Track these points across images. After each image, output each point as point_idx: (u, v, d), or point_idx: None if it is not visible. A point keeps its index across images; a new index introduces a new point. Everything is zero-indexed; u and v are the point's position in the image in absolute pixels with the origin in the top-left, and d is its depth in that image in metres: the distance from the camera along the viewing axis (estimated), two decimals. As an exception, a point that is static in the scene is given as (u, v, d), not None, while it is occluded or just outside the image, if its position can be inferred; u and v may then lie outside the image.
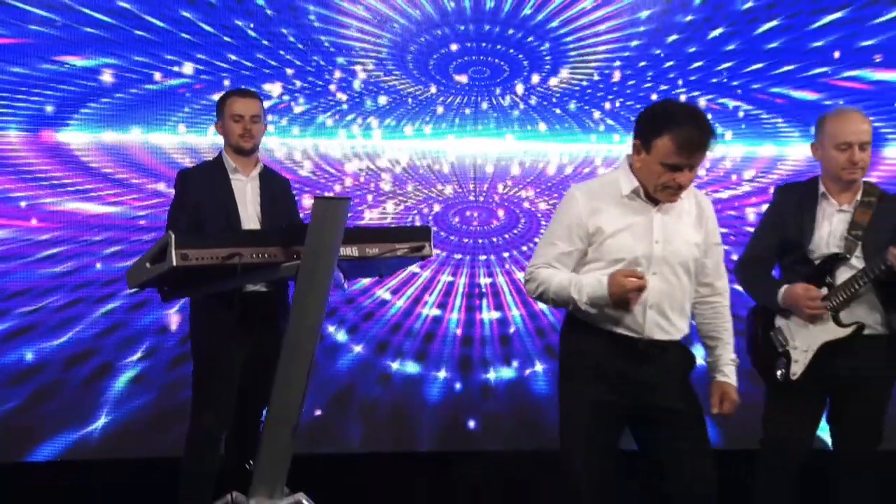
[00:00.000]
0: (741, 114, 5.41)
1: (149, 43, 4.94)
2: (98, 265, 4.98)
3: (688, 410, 3.41)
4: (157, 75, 4.99)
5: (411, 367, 5.28)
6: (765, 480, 4.08)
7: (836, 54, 5.37)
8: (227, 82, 4.98)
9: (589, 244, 3.36)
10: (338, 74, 5.13)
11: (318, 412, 5.17)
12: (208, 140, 4.89)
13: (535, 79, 5.26)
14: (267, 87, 5.04)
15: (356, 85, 5.16)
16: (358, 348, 5.24)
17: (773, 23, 5.35)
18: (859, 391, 4.04)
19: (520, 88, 5.26)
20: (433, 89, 5.22)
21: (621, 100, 5.31)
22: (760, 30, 5.34)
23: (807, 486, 4.14)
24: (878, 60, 5.38)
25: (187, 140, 5.01)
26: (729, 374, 3.50)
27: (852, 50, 5.39)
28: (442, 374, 5.30)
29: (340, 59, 5.12)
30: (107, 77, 4.93)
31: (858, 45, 5.39)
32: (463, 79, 5.23)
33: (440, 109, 5.24)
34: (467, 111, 5.25)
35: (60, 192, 4.94)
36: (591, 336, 3.37)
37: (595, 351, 3.37)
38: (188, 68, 5.00)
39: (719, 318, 3.54)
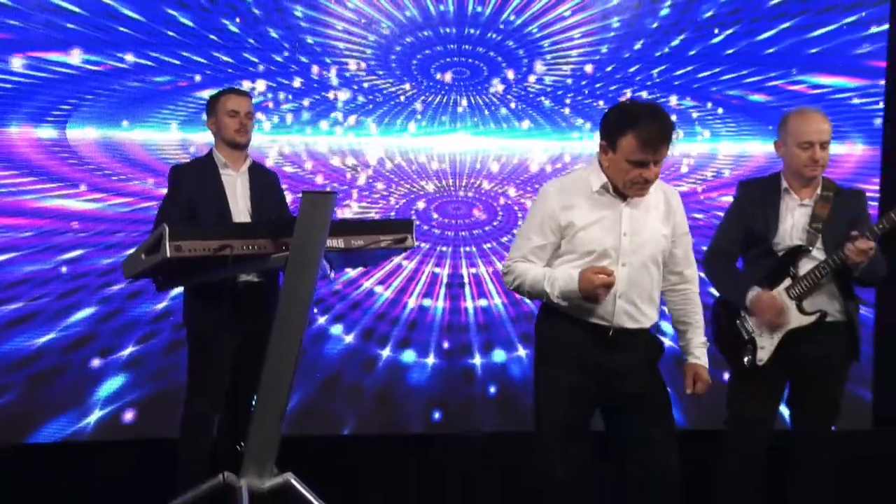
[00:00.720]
0: (695, 114, 5.43)
1: (142, 43, 4.91)
2: (96, 256, 4.94)
3: (656, 398, 3.43)
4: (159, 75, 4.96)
5: (397, 354, 5.27)
6: (733, 462, 4.10)
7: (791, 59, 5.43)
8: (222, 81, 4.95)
9: (562, 237, 3.37)
10: (323, 73, 5.11)
11: (306, 396, 5.13)
12: (202, 137, 4.83)
13: (513, 79, 5.25)
14: (250, 84, 5.02)
15: (341, 84, 5.14)
16: (346, 336, 5.23)
17: (732, 29, 5.37)
18: (820, 375, 4.07)
19: (498, 88, 5.24)
20: (416, 89, 5.20)
21: (591, 100, 5.30)
22: (722, 36, 5.36)
23: (769, 467, 4.16)
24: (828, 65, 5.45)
25: (182, 137, 4.99)
26: (700, 356, 3.52)
27: (807, 54, 5.41)
28: (427, 360, 5.28)
29: (326, 59, 5.10)
30: (108, 75, 4.90)
31: (812, 50, 5.41)
32: (445, 78, 5.21)
33: (421, 107, 5.22)
34: (448, 110, 5.23)
35: (61, 186, 4.89)
36: (566, 325, 3.39)
37: (569, 339, 3.38)
38: (177, 67, 4.97)
39: (689, 305, 3.55)
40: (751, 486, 4.10)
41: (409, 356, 5.27)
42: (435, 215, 5.28)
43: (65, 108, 4.85)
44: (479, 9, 5.16)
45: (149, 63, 4.91)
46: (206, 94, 4.48)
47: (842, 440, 4.21)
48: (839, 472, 4.19)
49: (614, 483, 3.49)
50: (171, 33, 4.91)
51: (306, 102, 5.09)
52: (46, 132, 4.84)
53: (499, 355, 5.33)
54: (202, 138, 4.79)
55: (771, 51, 5.39)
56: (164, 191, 4.33)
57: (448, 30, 5.16)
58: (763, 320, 3.97)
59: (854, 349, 4.10)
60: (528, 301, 5.22)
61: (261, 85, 5.04)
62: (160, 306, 4.96)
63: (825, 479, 4.15)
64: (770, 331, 3.99)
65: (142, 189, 4.95)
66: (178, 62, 4.93)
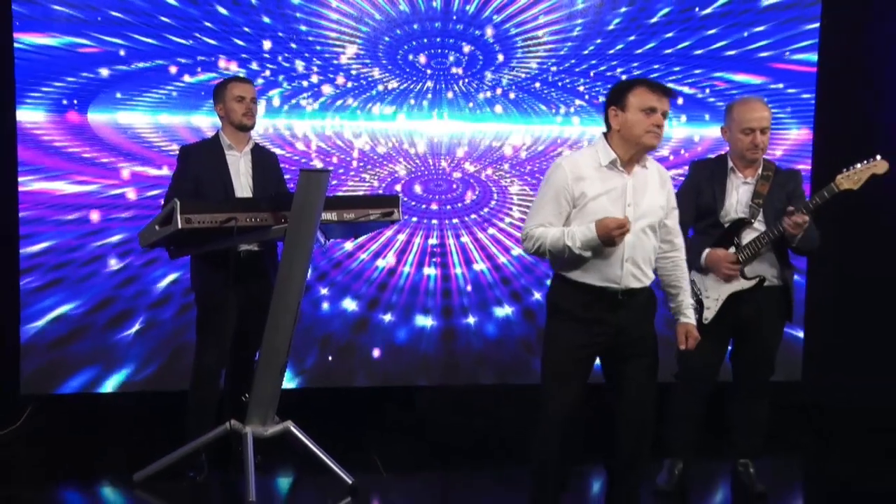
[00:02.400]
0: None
1: (160, 38, 4.80)
2: (116, 227, 4.86)
3: (648, 350, 3.46)
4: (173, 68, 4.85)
5: (387, 315, 5.19)
6: (680, 404, 4.13)
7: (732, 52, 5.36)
8: (231, 67, 4.90)
9: (573, 206, 3.36)
10: (317, 61, 5.01)
11: (304, 353, 5.08)
12: (207, 120, 4.78)
13: (489, 70, 5.17)
14: (253, 72, 4.94)
15: (331, 71, 5.04)
16: (338, 300, 5.15)
17: (686, 24, 5.28)
18: (758, 333, 4.09)
19: (477, 78, 5.15)
20: (401, 77, 5.11)
21: (556, 91, 5.22)
22: (675, 32, 5.28)
23: (710, 411, 4.19)
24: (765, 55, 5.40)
25: (191, 122, 4.88)
26: (690, 315, 3.54)
27: (752, 47, 5.35)
28: (416, 320, 5.22)
29: (319, 48, 5.00)
30: (132, 64, 4.81)
31: (757, 43, 5.34)
32: (427, 69, 5.12)
33: (408, 95, 5.13)
34: (430, 96, 5.15)
35: (84, 164, 4.80)
36: (578, 288, 3.38)
37: (581, 300, 3.38)
38: (197, 60, 4.87)
39: (678, 270, 3.56)
40: (695, 426, 4.13)
41: (395, 317, 5.20)
42: (420, 189, 5.21)
43: (86, 94, 4.76)
44: (439, 4, 5.07)
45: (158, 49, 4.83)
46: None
47: (775, 388, 4.24)
48: (772, 415, 4.24)
49: (602, 426, 3.54)
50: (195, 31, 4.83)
51: (300, 89, 5.01)
52: (71, 116, 4.76)
53: (479, 316, 5.27)
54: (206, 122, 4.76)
55: (720, 44, 5.33)
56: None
57: (435, 24, 5.08)
58: (719, 272, 3.98)
59: (788, 310, 4.12)
60: (509, 265, 5.22)
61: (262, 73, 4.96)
62: (172, 274, 4.89)
63: (760, 421, 4.21)
64: (717, 289, 4.00)
65: (154, 167, 4.88)
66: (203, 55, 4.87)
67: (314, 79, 4.98)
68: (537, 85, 5.18)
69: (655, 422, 3.52)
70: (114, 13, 4.70)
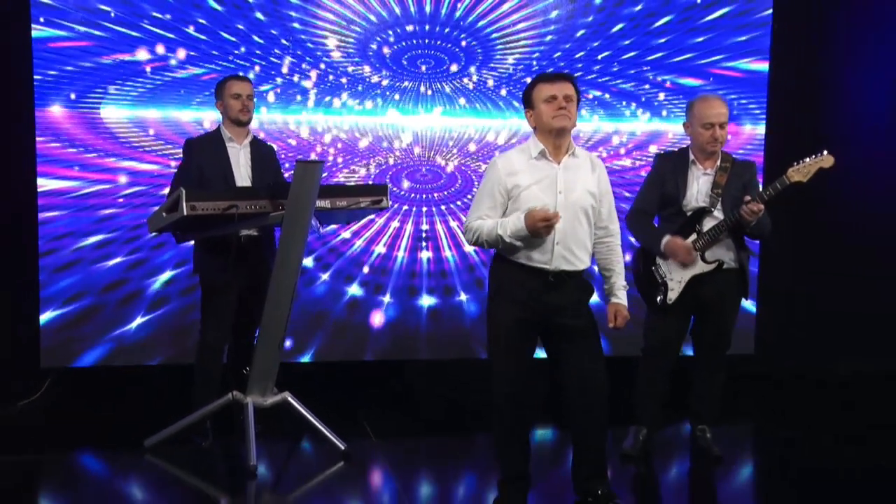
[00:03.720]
0: (607, 97, 5.28)
1: (169, 41, 4.72)
2: (127, 214, 4.78)
3: (585, 326, 3.38)
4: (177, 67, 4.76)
5: (370, 294, 5.11)
6: (645, 376, 4.11)
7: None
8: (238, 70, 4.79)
9: (509, 198, 3.32)
10: (315, 64, 4.93)
11: (300, 330, 5.00)
12: (210, 115, 4.69)
13: (471, 69, 5.09)
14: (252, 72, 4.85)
15: (325, 70, 4.95)
16: (327, 278, 5.06)
17: (654, 26, 5.22)
18: (717, 312, 4.07)
19: (458, 76, 5.08)
20: (389, 76, 5.03)
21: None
22: (646, 32, 5.21)
23: (673, 383, 4.17)
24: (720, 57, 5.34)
25: (197, 116, 4.79)
26: (621, 297, 3.47)
27: (712, 49, 5.28)
28: (392, 299, 5.14)
29: (315, 49, 4.92)
30: (139, 63, 4.70)
31: (716, 45, 5.28)
32: (412, 67, 5.04)
33: (395, 94, 5.05)
34: (414, 93, 5.06)
35: (98, 156, 4.72)
36: (513, 268, 3.34)
37: (515, 281, 3.33)
38: (193, 60, 4.78)
39: (613, 254, 3.50)
40: (658, 396, 4.12)
41: (378, 296, 5.12)
42: (406, 180, 5.14)
43: (98, 92, 4.68)
44: (429, 9, 5.00)
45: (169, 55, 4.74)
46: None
47: (730, 361, 4.23)
48: (728, 385, 4.22)
49: (552, 395, 3.53)
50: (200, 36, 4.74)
51: (297, 87, 4.92)
52: (85, 112, 4.67)
53: (449, 297, 5.18)
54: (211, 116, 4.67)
55: (687, 43, 5.26)
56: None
57: (415, 27, 5.00)
58: (677, 259, 3.95)
59: (744, 290, 4.10)
60: (475, 254, 5.16)
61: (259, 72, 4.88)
62: (178, 258, 4.80)
63: (717, 391, 4.19)
64: (680, 272, 3.97)
65: (161, 158, 4.80)
66: (201, 58, 4.77)
67: (313, 76, 4.90)
68: (503, 92, 5.11)
69: (609, 394, 3.41)
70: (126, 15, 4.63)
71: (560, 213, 3.24)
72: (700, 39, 5.25)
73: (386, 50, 4.97)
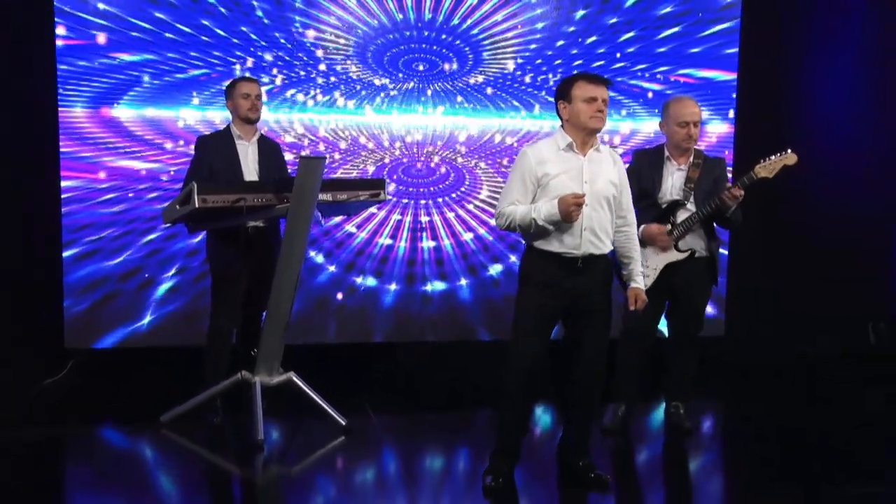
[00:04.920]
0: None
1: (180, 44, 4.66)
2: (143, 206, 4.73)
3: (603, 316, 3.39)
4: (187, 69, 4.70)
5: (370, 282, 5.06)
6: (624, 357, 4.08)
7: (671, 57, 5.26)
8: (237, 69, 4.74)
9: (538, 186, 3.30)
10: (319, 66, 4.86)
11: (304, 314, 4.95)
12: (219, 114, 4.62)
13: (462, 71, 5.03)
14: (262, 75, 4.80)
15: (328, 72, 4.89)
16: (332, 267, 5.01)
17: (631, 34, 5.16)
18: (689, 296, 4.06)
19: (451, 78, 5.02)
20: (387, 77, 4.98)
21: (522, 87, 5.09)
22: (622, 38, 5.16)
23: (649, 362, 4.18)
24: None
25: (205, 116, 4.73)
26: (639, 281, 3.47)
27: (685, 55, 5.24)
28: (393, 286, 5.09)
29: (319, 53, 4.86)
30: (145, 67, 4.64)
31: (689, 51, 5.24)
32: (408, 70, 4.98)
33: (393, 92, 4.99)
34: (410, 94, 5.01)
35: (116, 153, 4.67)
36: (541, 258, 3.33)
37: (545, 269, 3.32)
38: (205, 61, 4.72)
39: (630, 242, 3.48)
40: (636, 375, 4.10)
41: (378, 283, 5.07)
42: (403, 174, 5.08)
43: (117, 92, 4.63)
44: (429, 15, 4.94)
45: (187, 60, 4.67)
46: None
47: (703, 343, 4.22)
48: (700, 365, 4.23)
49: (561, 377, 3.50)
50: (204, 38, 4.68)
51: (301, 89, 4.86)
52: (104, 112, 4.61)
53: (447, 284, 5.13)
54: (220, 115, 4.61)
55: (661, 50, 5.21)
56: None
57: (424, 33, 4.95)
58: (656, 244, 3.92)
59: (714, 277, 4.09)
60: (470, 243, 5.09)
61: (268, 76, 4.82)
62: (191, 248, 4.75)
63: (689, 370, 4.18)
64: (655, 260, 3.94)
65: (175, 155, 4.74)
66: (212, 59, 4.71)
67: (309, 82, 4.84)
68: (489, 91, 5.06)
69: (606, 374, 3.47)
70: (143, 24, 4.56)
71: (586, 201, 3.23)
72: (665, 50, 5.19)
73: (376, 50, 4.91)
